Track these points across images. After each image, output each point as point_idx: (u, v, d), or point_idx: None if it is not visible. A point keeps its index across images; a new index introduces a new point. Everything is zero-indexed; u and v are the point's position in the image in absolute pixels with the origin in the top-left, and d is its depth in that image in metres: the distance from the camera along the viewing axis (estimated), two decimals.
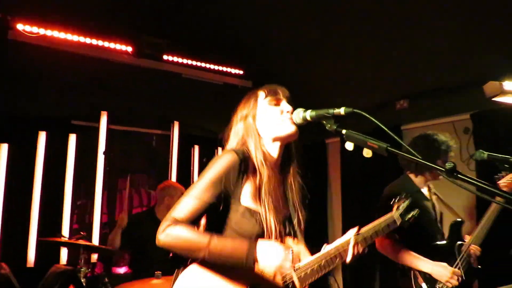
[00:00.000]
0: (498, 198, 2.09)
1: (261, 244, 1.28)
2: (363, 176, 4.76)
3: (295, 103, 1.51)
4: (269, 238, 1.33)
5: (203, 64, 4.09)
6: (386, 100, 4.33)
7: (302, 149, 1.58)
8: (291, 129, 1.43)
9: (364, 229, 1.48)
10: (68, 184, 4.00)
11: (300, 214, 1.48)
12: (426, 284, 2.21)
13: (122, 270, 4.13)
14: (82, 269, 2.85)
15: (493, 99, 3.20)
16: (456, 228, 2.38)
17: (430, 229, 2.34)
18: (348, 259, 1.41)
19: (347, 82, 4.21)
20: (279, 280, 1.33)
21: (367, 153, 1.16)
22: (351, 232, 1.45)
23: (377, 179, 4.60)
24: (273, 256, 1.26)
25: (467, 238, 2.32)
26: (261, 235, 1.33)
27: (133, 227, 3.45)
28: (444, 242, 2.33)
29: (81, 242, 2.91)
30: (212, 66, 4.14)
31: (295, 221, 1.45)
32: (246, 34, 3.88)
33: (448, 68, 3.57)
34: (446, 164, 0.94)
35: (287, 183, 1.52)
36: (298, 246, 1.43)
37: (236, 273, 1.32)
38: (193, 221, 1.32)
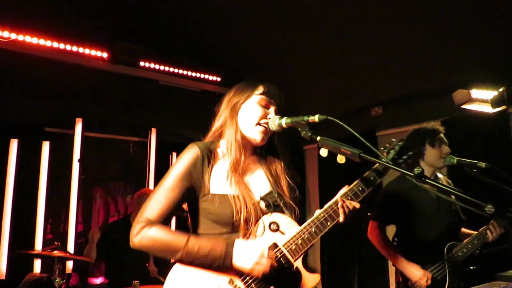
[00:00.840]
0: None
1: (238, 244, 1.28)
2: (341, 182, 4.82)
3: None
4: (240, 218, 1.31)
5: (180, 71, 4.09)
6: (362, 107, 4.44)
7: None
8: (257, 137, 1.43)
9: (353, 183, 1.47)
10: (42, 193, 3.88)
11: (282, 188, 1.46)
12: (402, 277, 2.30)
13: (98, 280, 4.03)
14: (56, 280, 2.76)
15: (462, 106, 3.34)
16: (454, 227, 2.42)
17: (422, 224, 2.35)
18: (341, 218, 1.38)
19: (324, 89, 4.29)
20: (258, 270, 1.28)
21: (340, 159, 1.19)
22: (341, 191, 1.45)
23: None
24: (249, 255, 1.25)
25: (465, 241, 2.36)
26: (232, 216, 1.32)
27: (109, 236, 3.39)
28: (434, 239, 2.33)
29: (55, 253, 2.83)
30: (189, 73, 4.14)
31: (277, 197, 1.43)
32: (224, 41, 3.90)
33: (420, 76, 3.70)
34: (415, 169, 0.98)
35: (269, 168, 1.51)
36: (282, 218, 1.38)
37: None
38: (166, 219, 1.34)
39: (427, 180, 0.97)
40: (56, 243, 2.89)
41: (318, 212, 1.41)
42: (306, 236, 1.35)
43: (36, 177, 3.90)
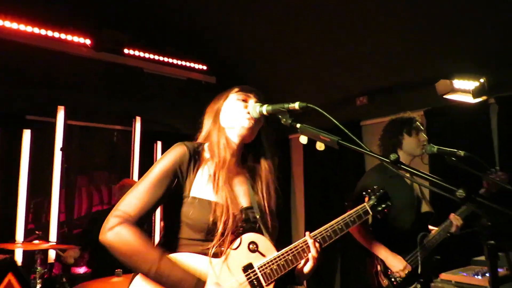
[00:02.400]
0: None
1: (210, 285, 1.24)
2: (325, 171, 4.89)
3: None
4: (218, 227, 1.28)
5: (165, 59, 4.04)
6: (347, 97, 4.46)
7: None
8: (244, 122, 1.41)
9: (332, 222, 1.49)
10: (23, 182, 3.81)
11: (265, 213, 1.42)
12: (382, 266, 2.35)
13: (81, 270, 4.02)
14: (38, 270, 2.74)
15: (444, 96, 3.38)
16: (425, 218, 2.50)
17: (399, 213, 2.39)
18: (313, 252, 1.38)
19: (309, 79, 4.29)
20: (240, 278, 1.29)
21: (320, 146, 1.19)
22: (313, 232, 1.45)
23: (339, 174, 4.76)
24: None
25: (432, 231, 2.44)
26: (209, 224, 1.28)
27: (93, 226, 3.37)
28: (408, 229, 2.39)
29: (36, 242, 2.80)
30: (175, 61, 4.10)
31: (258, 216, 1.39)
32: (210, 29, 3.87)
33: (404, 67, 3.73)
34: (391, 155, 0.99)
35: (255, 182, 1.49)
36: (260, 239, 1.37)
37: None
38: (144, 218, 1.28)
39: (401, 166, 0.98)
40: (37, 232, 2.86)
41: (297, 242, 1.40)
42: (282, 262, 1.35)
43: (17, 166, 3.83)
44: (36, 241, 2.77)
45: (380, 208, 1.64)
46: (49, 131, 3.97)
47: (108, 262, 3.10)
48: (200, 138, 1.50)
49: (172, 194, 1.32)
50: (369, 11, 3.17)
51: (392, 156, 0.99)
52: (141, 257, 1.21)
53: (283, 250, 1.38)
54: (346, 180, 4.62)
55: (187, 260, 1.28)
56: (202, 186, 1.35)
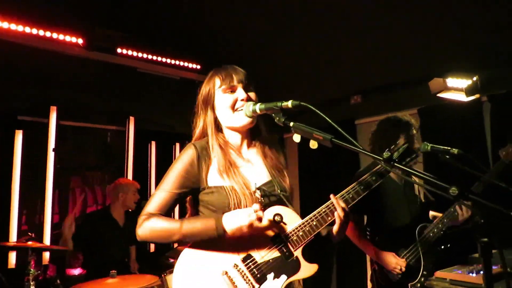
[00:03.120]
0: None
1: (226, 214, 1.37)
2: (320, 170, 4.90)
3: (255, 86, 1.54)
4: (238, 206, 1.40)
5: (159, 58, 4.01)
6: (341, 95, 4.47)
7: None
8: (244, 121, 1.49)
9: (353, 184, 1.54)
10: (15, 184, 3.78)
11: (282, 179, 1.54)
12: (377, 266, 2.37)
13: (76, 271, 3.99)
14: (31, 271, 2.71)
15: (438, 95, 3.40)
16: (423, 208, 2.48)
17: (393, 209, 2.41)
18: (339, 211, 1.43)
19: (303, 78, 4.30)
20: (268, 243, 1.42)
21: (313, 144, 1.19)
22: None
23: (333, 173, 4.76)
24: (237, 219, 1.34)
25: (435, 220, 2.41)
26: (229, 206, 1.41)
27: (87, 226, 3.34)
28: (404, 224, 2.39)
29: (30, 243, 2.77)
30: (168, 60, 4.07)
31: (276, 188, 1.50)
32: (203, 28, 3.85)
33: (398, 65, 3.74)
34: (384, 153, 0.99)
35: (264, 156, 1.58)
36: (284, 210, 1.45)
37: (228, 245, 1.41)
38: (166, 212, 1.46)
39: (395, 164, 0.98)
40: (30, 233, 2.83)
41: (319, 208, 1.48)
42: (307, 228, 1.44)
43: (10, 166, 3.79)
44: (30, 242, 2.74)
45: (407, 160, 1.62)
46: (41, 131, 3.93)
47: (103, 263, 3.11)
48: (199, 132, 1.57)
49: (189, 190, 1.49)
50: (364, 11, 3.18)
51: (385, 154, 0.99)
52: (167, 233, 1.40)
53: (307, 217, 1.46)
54: (340, 179, 4.62)
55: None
56: (217, 176, 1.47)
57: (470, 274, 2.05)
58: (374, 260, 2.36)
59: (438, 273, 2.18)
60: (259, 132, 1.60)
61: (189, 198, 1.56)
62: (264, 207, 1.43)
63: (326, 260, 4.76)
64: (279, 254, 1.42)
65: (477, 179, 2.30)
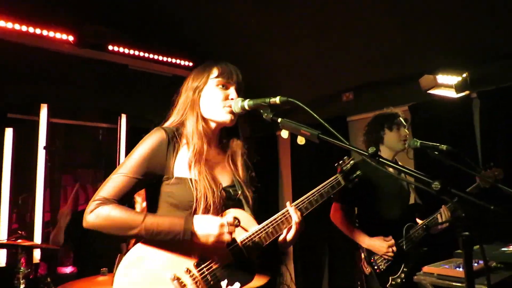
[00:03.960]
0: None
1: (197, 217, 1.29)
2: (312, 166, 4.91)
3: (243, 94, 1.51)
4: (200, 204, 1.32)
5: (150, 56, 3.99)
6: (333, 93, 4.48)
7: (253, 141, 1.61)
8: (226, 117, 1.44)
9: (308, 194, 1.53)
10: (5, 182, 3.74)
11: (244, 187, 1.48)
12: (365, 254, 2.40)
13: (68, 269, 3.97)
14: (21, 270, 2.69)
15: (428, 91, 3.42)
16: (413, 210, 2.54)
17: (385, 204, 2.45)
18: (294, 218, 1.42)
19: (295, 75, 4.30)
20: (223, 249, 1.35)
21: (300, 140, 1.20)
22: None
23: (326, 169, 4.78)
24: (209, 227, 1.26)
25: (419, 223, 2.47)
26: (193, 200, 1.32)
27: (79, 224, 3.32)
28: (393, 220, 2.43)
29: (19, 242, 2.76)
30: (160, 58, 4.06)
31: (239, 191, 1.45)
32: (195, 25, 3.84)
33: (389, 63, 3.76)
34: (369, 148, 1.00)
35: (232, 159, 1.52)
36: (242, 215, 1.42)
37: (184, 248, 1.32)
38: (122, 198, 1.32)
39: (379, 159, 0.99)
40: (19, 232, 2.81)
41: (275, 215, 1.45)
42: (263, 235, 1.41)
43: None
44: (19, 241, 2.72)
45: (351, 178, 1.66)
46: (32, 129, 3.90)
47: (94, 261, 3.09)
48: (175, 121, 1.48)
49: (153, 177, 1.36)
50: (356, 8, 3.19)
51: (370, 150, 1.00)
52: (126, 225, 1.26)
53: (264, 223, 1.43)
54: (333, 175, 4.63)
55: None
56: (184, 167, 1.38)
57: (457, 268, 2.08)
58: (364, 247, 2.38)
59: (426, 268, 2.20)
60: (233, 133, 1.55)
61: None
62: (226, 209, 1.40)
63: (318, 255, 4.79)
64: (234, 261, 1.37)
65: (469, 176, 2.34)
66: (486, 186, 2.43)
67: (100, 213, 1.27)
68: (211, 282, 1.32)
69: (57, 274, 3.88)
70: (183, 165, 1.38)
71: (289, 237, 1.46)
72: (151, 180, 1.37)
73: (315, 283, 4.82)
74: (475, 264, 2.09)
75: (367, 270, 2.36)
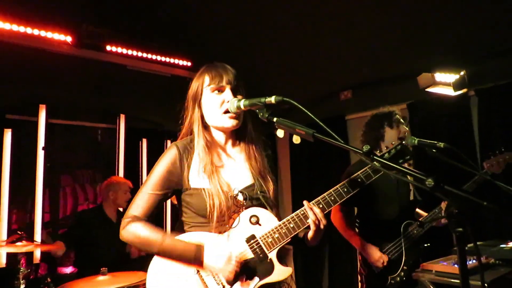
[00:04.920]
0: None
1: (207, 248, 1.39)
2: (311, 165, 4.92)
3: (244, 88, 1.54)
4: (213, 211, 1.40)
5: (149, 56, 3.99)
6: (331, 91, 4.49)
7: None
8: (228, 124, 1.49)
9: (338, 185, 1.51)
10: (5, 183, 3.75)
11: (264, 183, 1.52)
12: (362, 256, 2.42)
13: (68, 269, 3.98)
14: (21, 270, 2.70)
15: (426, 89, 3.43)
16: (410, 207, 2.55)
17: (383, 203, 2.45)
18: (310, 217, 1.42)
19: (293, 74, 4.30)
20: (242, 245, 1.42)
21: (296, 139, 1.21)
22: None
23: (324, 168, 4.79)
24: (216, 260, 1.37)
25: (420, 213, 2.47)
26: (207, 209, 1.41)
27: (82, 226, 3.33)
28: (392, 218, 2.43)
29: (19, 243, 2.76)
30: (159, 58, 4.05)
31: (259, 190, 1.49)
32: (193, 25, 3.84)
33: (387, 61, 3.77)
34: (364, 146, 1.00)
35: (248, 157, 1.56)
36: (261, 212, 1.46)
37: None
38: (151, 213, 1.48)
39: (374, 157, 1.00)
40: (19, 232, 2.82)
41: (298, 211, 1.47)
42: (284, 230, 1.43)
43: None
44: (19, 243, 2.72)
45: (401, 161, 1.57)
46: (30, 130, 3.90)
47: (94, 260, 3.10)
48: (186, 133, 1.58)
49: (173, 190, 1.50)
50: (353, 7, 3.19)
51: (365, 148, 1.00)
52: (148, 243, 1.42)
53: (285, 219, 1.45)
54: (331, 174, 4.65)
55: (192, 236, 1.45)
56: (198, 177, 1.47)
57: (455, 265, 2.08)
58: (359, 250, 2.41)
59: (424, 265, 2.21)
60: (245, 132, 1.58)
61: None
62: (246, 209, 1.46)
63: (318, 256, 4.80)
64: (252, 256, 1.41)
65: (467, 173, 2.33)
66: (497, 172, 2.35)
67: (129, 231, 1.44)
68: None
69: (57, 274, 3.90)
70: (197, 175, 1.48)
71: (310, 235, 1.47)
72: (172, 193, 1.51)
73: (315, 282, 4.83)
74: (473, 261, 2.09)
75: (365, 271, 2.37)
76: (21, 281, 2.66)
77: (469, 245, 2.15)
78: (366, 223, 2.50)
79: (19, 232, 2.84)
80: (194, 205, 1.45)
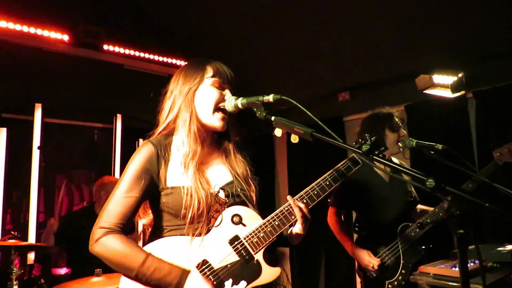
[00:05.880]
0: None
1: (191, 278, 1.27)
2: (308, 165, 4.91)
3: (240, 95, 1.46)
4: (189, 211, 1.29)
5: (146, 55, 3.97)
6: (329, 93, 4.47)
7: (250, 141, 1.59)
8: (218, 124, 1.42)
9: (320, 179, 1.48)
10: None
11: (243, 182, 1.44)
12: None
13: (62, 270, 3.94)
14: (14, 271, 2.66)
15: (424, 91, 3.42)
16: (408, 208, 2.51)
17: (377, 207, 2.43)
18: (297, 213, 1.37)
19: (291, 75, 4.29)
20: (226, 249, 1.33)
21: (294, 138, 1.19)
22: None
23: (320, 168, 4.78)
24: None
25: (420, 208, 2.45)
26: (184, 208, 1.30)
27: (71, 224, 3.30)
28: (388, 221, 2.40)
29: (12, 242, 2.73)
30: (156, 57, 4.03)
31: (239, 188, 1.41)
32: (190, 25, 3.83)
33: (385, 63, 3.76)
34: (363, 146, 0.98)
35: (228, 157, 1.49)
36: (244, 211, 1.38)
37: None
38: (126, 220, 1.31)
39: (374, 157, 0.98)
40: (12, 232, 2.78)
41: (280, 208, 1.41)
42: (269, 229, 1.36)
43: None
44: (12, 241, 2.69)
45: (377, 152, 1.55)
46: (26, 129, 3.87)
47: (88, 261, 3.06)
48: (168, 123, 1.43)
49: (149, 191, 1.35)
50: (351, 7, 3.18)
51: (364, 147, 0.98)
52: (126, 264, 1.26)
53: (269, 217, 1.38)
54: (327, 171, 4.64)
55: (169, 243, 1.32)
56: (176, 175, 1.36)
57: (453, 268, 2.07)
58: (351, 255, 2.40)
59: (422, 268, 2.19)
60: (227, 134, 1.51)
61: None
62: (227, 207, 1.37)
63: (314, 256, 4.78)
64: (238, 258, 1.33)
65: (465, 175, 2.31)
66: (510, 161, 2.21)
67: (104, 244, 1.27)
68: (214, 283, 1.29)
69: (51, 275, 3.85)
70: (175, 173, 1.36)
71: (295, 230, 1.42)
72: (150, 194, 1.36)
73: (311, 284, 4.81)
74: (471, 264, 2.08)
75: (361, 276, 2.36)
76: (14, 282, 2.63)
77: (469, 247, 2.15)
78: (363, 227, 2.48)
79: (12, 232, 2.80)
80: (170, 204, 1.32)
